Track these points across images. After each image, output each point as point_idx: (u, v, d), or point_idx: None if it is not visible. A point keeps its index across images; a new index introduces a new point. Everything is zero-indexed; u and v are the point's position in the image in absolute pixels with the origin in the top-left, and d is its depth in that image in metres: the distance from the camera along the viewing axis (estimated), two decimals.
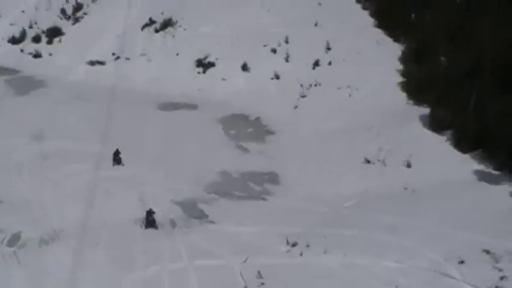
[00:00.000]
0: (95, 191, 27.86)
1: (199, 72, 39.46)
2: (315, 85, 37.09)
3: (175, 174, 29.42)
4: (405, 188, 27.96)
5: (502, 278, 21.49)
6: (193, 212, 26.93)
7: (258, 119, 35.28)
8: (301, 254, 23.54)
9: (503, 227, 24.08)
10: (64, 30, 43.50)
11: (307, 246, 23.79)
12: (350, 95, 35.91)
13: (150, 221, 25.47)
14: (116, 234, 25.05)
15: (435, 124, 31.69)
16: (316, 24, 40.74)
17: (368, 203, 26.88)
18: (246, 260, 23.21)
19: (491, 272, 21.80)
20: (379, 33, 39.76)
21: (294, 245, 24.00)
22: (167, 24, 42.34)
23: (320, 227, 25.16)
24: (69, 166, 29.47)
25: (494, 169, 28.62)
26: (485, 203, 25.78)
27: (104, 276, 22.57)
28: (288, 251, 23.84)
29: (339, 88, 36.37)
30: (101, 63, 40.88)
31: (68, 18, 44.69)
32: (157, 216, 25.90)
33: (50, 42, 43.09)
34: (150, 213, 25.60)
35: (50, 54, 42.27)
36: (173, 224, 26.07)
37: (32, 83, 38.78)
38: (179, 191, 28.14)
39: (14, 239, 24.63)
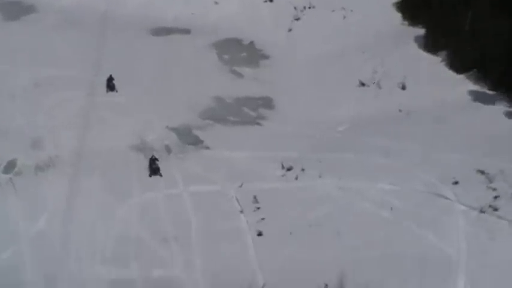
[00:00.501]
0: (89, 117, 27.75)
1: None
2: (309, 7, 36.54)
3: (170, 100, 29.23)
4: (400, 111, 27.95)
5: (495, 197, 21.82)
6: (188, 138, 26.91)
7: (251, 43, 34.86)
8: (296, 178, 23.69)
9: (497, 147, 24.27)
10: None
11: (302, 170, 23.92)
12: (344, 17, 35.44)
13: (154, 168, 24.66)
14: (111, 161, 25.05)
15: (430, 45, 31.45)
16: None
17: (362, 126, 26.89)
18: (241, 185, 23.36)
19: (485, 192, 22.12)
20: None
21: (289, 169, 24.13)
22: None
23: (315, 151, 25.24)
24: (62, 93, 29.19)
25: (489, 89, 28.66)
26: (480, 124, 25.88)
27: (100, 203, 22.77)
28: (283, 176, 23.99)
29: (333, 10, 35.85)
30: None
31: None
32: (152, 142, 25.90)
33: None
34: (153, 160, 24.79)
35: None
36: (168, 150, 26.06)
37: (22, 8, 37.90)
38: (174, 117, 28.02)
39: (10, 166, 24.66)
